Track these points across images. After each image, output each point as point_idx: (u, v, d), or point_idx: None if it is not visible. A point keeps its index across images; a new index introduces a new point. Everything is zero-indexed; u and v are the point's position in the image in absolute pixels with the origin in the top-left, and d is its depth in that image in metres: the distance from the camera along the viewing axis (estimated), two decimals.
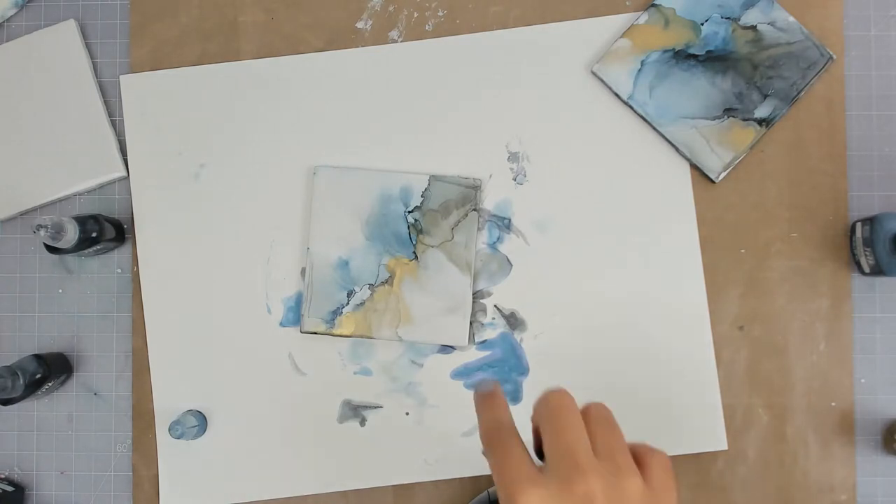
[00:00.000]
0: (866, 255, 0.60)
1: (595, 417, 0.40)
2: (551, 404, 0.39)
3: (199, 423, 0.62)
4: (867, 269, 0.60)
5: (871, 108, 0.64)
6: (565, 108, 0.64)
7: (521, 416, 0.63)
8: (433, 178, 0.63)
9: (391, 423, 0.63)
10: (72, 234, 0.57)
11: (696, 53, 0.63)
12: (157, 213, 0.65)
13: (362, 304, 0.62)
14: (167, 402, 0.64)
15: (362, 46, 0.65)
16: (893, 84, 0.64)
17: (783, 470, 0.62)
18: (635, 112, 0.63)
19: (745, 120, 0.62)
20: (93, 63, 0.66)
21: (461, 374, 0.63)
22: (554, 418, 0.39)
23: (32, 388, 0.59)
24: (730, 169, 0.62)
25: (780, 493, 0.62)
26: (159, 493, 0.63)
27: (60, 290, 0.65)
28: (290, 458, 0.63)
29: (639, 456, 0.40)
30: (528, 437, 0.40)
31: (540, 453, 0.40)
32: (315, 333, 0.63)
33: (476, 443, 0.63)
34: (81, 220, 0.58)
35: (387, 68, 0.65)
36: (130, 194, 0.65)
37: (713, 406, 0.62)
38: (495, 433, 0.40)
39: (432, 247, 0.62)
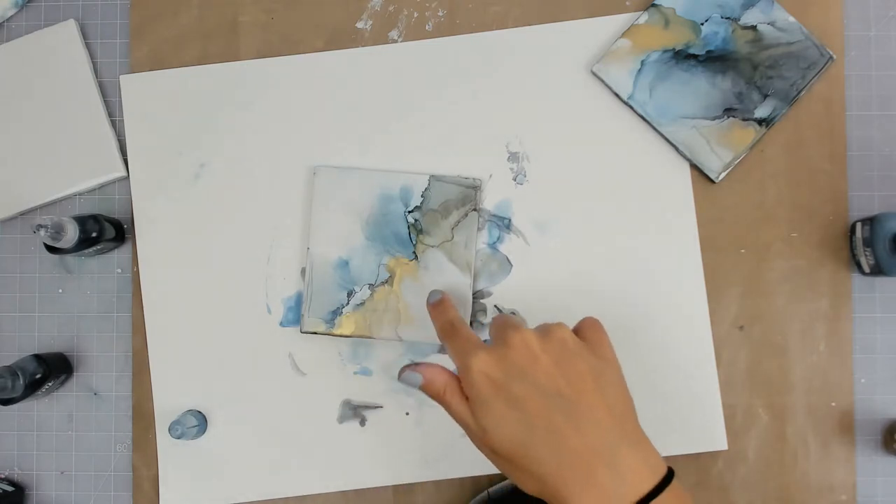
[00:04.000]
0: (866, 255, 0.60)
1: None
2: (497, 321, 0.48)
3: (199, 423, 0.62)
4: (867, 269, 0.61)
5: (871, 108, 0.64)
6: (565, 108, 0.64)
7: None
8: (433, 178, 0.63)
9: (391, 423, 0.63)
10: (72, 234, 0.57)
11: (696, 53, 0.63)
12: (157, 213, 0.65)
13: (362, 304, 0.62)
14: (167, 402, 0.64)
15: (362, 46, 0.65)
16: (893, 84, 0.64)
17: (783, 470, 0.62)
18: (635, 112, 0.63)
19: (745, 120, 0.62)
20: (93, 63, 0.66)
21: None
22: (497, 322, 0.48)
23: (32, 388, 0.59)
24: (730, 169, 0.62)
25: (780, 493, 0.62)
26: (159, 493, 0.63)
27: (60, 290, 0.65)
28: (290, 458, 0.63)
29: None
30: None
31: None
32: (315, 333, 0.63)
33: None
34: (81, 220, 0.58)
35: (387, 68, 0.65)
36: (130, 194, 0.65)
37: (713, 406, 0.62)
38: (449, 327, 0.48)
39: (432, 247, 0.62)
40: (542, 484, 0.41)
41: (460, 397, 0.46)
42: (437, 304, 0.52)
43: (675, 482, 0.42)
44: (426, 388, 0.47)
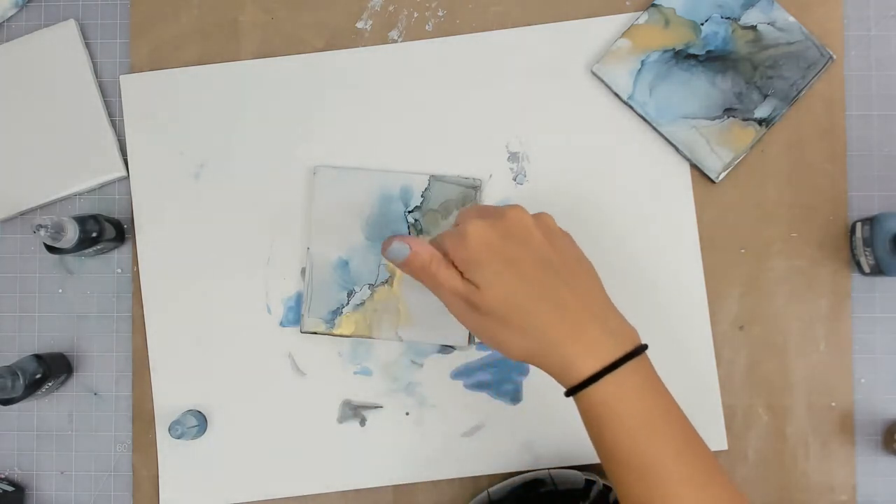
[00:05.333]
0: (866, 255, 0.60)
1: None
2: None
3: (199, 423, 0.62)
4: (867, 269, 0.61)
5: (871, 108, 0.64)
6: (565, 108, 0.64)
7: (521, 416, 0.63)
8: (433, 178, 0.63)
9: (391, 423, 0.63)
10: (72, 234, 0.57)
11: (696, 53, 0.63)
12: (157, 213, 0.65)
13: (362, 304, 0.62)
14: (167, 402, 0.64)
15: (362, 46, 0.65)
16: (893, 84, 0.64)
17: (783, 470, 0.62)
18: (635, 112, 0.63)
19: (745, 120, 0.62)
20: (93, 63, 0.66)
21: (461, 374, 0.63)
22: (485, 206, 0.51)
23: (32, 388, 0.59)
24: (730, 169, 0.62)
25: (780, 493, 0.62)
26: (159, 493, 0.63)
27: (60, 290, 0.65)
28: (290, 458, 0.63)
29: None
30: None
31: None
32: (315, 333, 0.63)
33: (477, 442, 0.63)
34: (81, 220, 0.58)
35: (387, 68, 0.65)
36: (130, 194, 0.65)
37: (713, 406, 0.62)
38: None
39: None
40: (537, 338, 0.45)
41: (447, 266, 0.47)
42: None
43: (647, 355, 0.47)
44: (412, 260, 0.48)
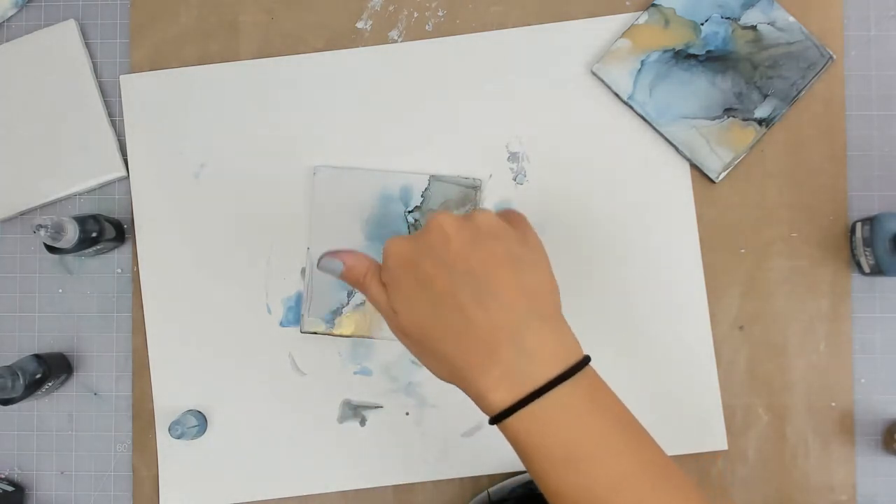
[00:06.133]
0: (866, 255, 0.60)
1: None
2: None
3: (199, 423, 0.62)
4: (867, 269, 0.61)
5: (871, 108, 0.64)
6: (565, 108, 0.64)
7: None
8: (433, 178, 0.63)
9: (391, 423, 0.63)
10: (72, 234, 0.57)
11: (696, 53, 0.63)
12: (157, 213, 0.65)
13: (362, 304, 0.62)
14: (167, 402, 0.64)
15: (362, 46, 0.65)
16: (893, 84, 0.64)
17: (783, 470, 0.62)
18: (635, 112, 0.63)
19: (745, 120, 0.62)
20: (93, 63, 0.66)
21: None
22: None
23: (32, 388, 0.59)
24: (730, 169, 0.62)
25: (780, 493, 0.62)
26: (159, 493, 0.63)
27: (60, 290, 0.65)
28: (290, 458, 0.63)
29: None
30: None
31: None
32: (315, 333, 0.63)
33: (477, 442, 0.63)
34: (81, 220, 0.58)
35: (387, 68, 0.65)
36: (130, 194, 0.65)
37: (713, 406, 0.62)
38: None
39: None
40: (449, 366, 0.41)
41: (378, 282, 0.44)
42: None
43: (590, 369, 0.40)
44: (347, 274, 0.45)
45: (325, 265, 0.46)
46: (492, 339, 0.39)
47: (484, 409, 0.40)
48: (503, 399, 0.39)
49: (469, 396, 0.41)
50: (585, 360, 0.40)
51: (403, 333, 0.43)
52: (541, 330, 0.40)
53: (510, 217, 0.46)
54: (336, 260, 0.46)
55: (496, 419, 0.39)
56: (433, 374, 0.43)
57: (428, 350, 0.42)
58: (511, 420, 0.39)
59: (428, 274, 0.41)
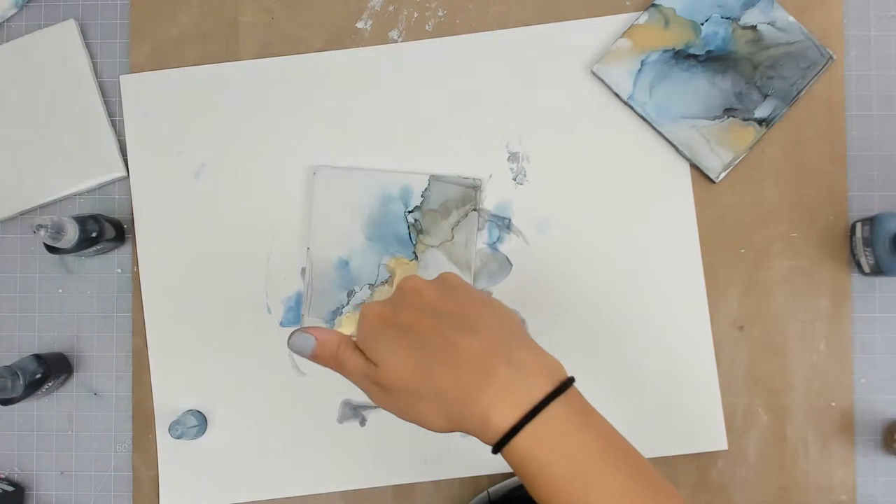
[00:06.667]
0: (866, 255, 0.60)
1: None
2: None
3: (199, 423, 0.62)
4: (867, 269, 0.60)
5: (871, 108, 0.64)
6: (565, 108, 0.64)
7: None
8: (433, 178, 0.63)
9: (391, 423, 0.63)
10: (72, 234, 0.57)
11: (696, 53, 0.63)
12: (157, 213, 0.65)
13: (362, 304, 0.62)
14: (167, 402, 0.64)
15: (362, 46, 0.65)
16: (893, 84, 0.64)
17: (783, 470, 0.62)
18: (635, 112, 0.63)
19: (745, 120, 0.62)
20: (93, 63, 0.66)
21: None
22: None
23: (32, 388, 0.59)
24: (730, 169, 0.62)
25: (780, 493, 0.62)
26: (159, 493, 0.63)
27: (60, 290, 0.65)
28: (290, 458, 0.63)
29: None
30: None
31: None
32: None
33: (477, 442, 0.62)
34: (81, 220, 0.58)
35: (387, 68, 0.65)
36: (130, 194, 0.65)
37: (713, 406, 0.62)
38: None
39: (432, 247, 0.62)
40: (444, 403, 0.40)
41: (353, 350, 0.43)
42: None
43: (574, 387, 0.41)
44: (320, 350, 0.44)
45: (295, 343, 0.44)
46: (484, 361, 0.40)
47: (487, 435, 0.40)
48: (505, 418, 0.39)
49: (469, 430, 0.40)
50: (571, 378, 0.41)
51: (391, 385, 0.42)
52: (527, 351, 0.41)
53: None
54: (307, 335, 0.44)
55: (501, 443, 0.39)
56: (429, 426, 0.41)
57: (421, 393, 0.41)
58: (516, 441, 0.39)
59: (408, 320, 0.42)
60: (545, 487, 0.39)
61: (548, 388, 0.39)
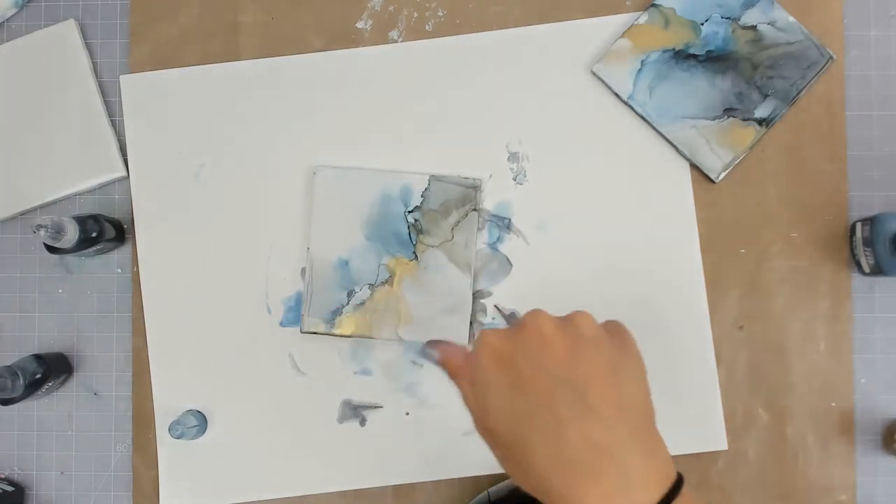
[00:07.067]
0: (866, 255, 0.60)
1: None
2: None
3: (199, 423, 0.62)
4: (867, 269, 0.60)
5: (871, 108, 0.64)
6: (565, 108, 0.64)
7: None
8: (433, 179, 0.63)
9: (391, 423, 0.63)
10: (72, 234, 0.57)
11: (696, 53, 0.63)
12: (157, 213, 0.65)
13: (362, 304, 0.62)
14: (167, 402, 0.64)
15: (362, 46, 0.65)
16: (893, 84, 0.64)
17: (783, 470, 0.62)
18: (635, 112, 0.63)
19: (745, 120, 0.62)
20: (93, 63, 0.66)
21: None
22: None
23: (32, 388, 0.59)
24: (730, 169, 0.62)
25: (780, 493, 0.62)
26: (159, 493, 0.63)
27: (60, 290, 0.65)
28: (290, 458, 0.63)
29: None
30: None
31: None
32: (315, 333, 0.63)
33: (477, 442, 0.62)
34: (81, 220, 0.58)
35: (387, 68, 0.65)
36: (130, 194, 0.65)
37: (713, 406, 0.62)
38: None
39: (432, 247, 0.62)
40: (539, 480, 0.38)
41: (469, 378, 0.42)
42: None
43: (685, 490, 0.38)
44: (443, 365, 0.44)
45: (424, 352, 0.45)
46: (591, 458, 0.37)
47: None
48: None
49: None
50: (680, 481, 0.38)
51: (492, 435, 0.40)
52: (641, 452, 0.38)
53: (609, 326, 0.45)
54: (434, 350, 0.44)
55: None
56: (514, 479, 0.39)
57: (517, 459, 0.39)
58: None
59: (524, 375, 0.39)
60: None
61: (655, 497, 0.36)
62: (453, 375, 0.43)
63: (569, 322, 0.41)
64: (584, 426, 0.37)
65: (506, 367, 0.40)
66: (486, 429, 0.40)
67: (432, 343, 0.45)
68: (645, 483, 0.37)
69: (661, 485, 0.37)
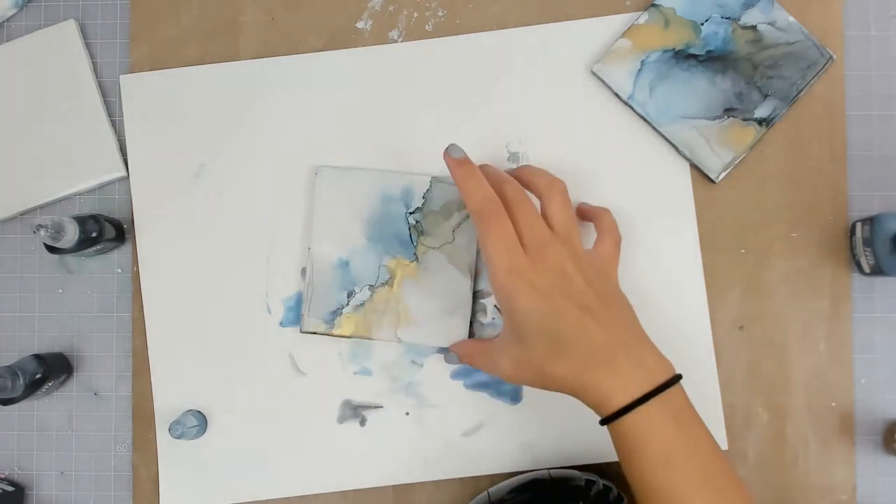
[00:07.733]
0: (866, 255, 0.60)
1: (549, 198, 0.54)
2: (509, 196, 0.53)
3: (199, 423, 0.62)
4: (867, 269, 0.61)
5: (871, 108, 0.64)
6: (565, 108, 0.64)
7: (521, 416, 0.63)
8: (435, 180, 0.63)
9: (391, 423, 0.63)
10: (72, 234, 0.57)
11: (696, 53, 0.63)
12: (157, 213, 0.65)
13: (362, 304, 0.62)
14: (167, 402, 0.64)
15: (362, 46, 0.65)
16: (893, 84, 0.64)
17: (783, 470, 0.62)
18: (635, 112, 0.63)
19: (745, 120, 0.62)
20: (93, 63, 0.66)
21: (461, 374, 0.63)
22: (518, 211, 0.52)
23: (32, 388, 0.59)
24: (730, 169, 0.62)
25: (780, 493, 0.62)
26: (159, 493, 0.63)
27: (60, 290, 0.65)
28: (290, 458, 0.63)
29: (591, 218, 0.59)
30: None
31: None
32: (315, 333, 0.63)
33: (477, 442, 0.63)
34: (81, 220, 0.58)
35: (387, 68, 0.65)
36: (130, 194, 0.65)
37: (713, 406, 0.62)
38: (490, 206, 0.52)
39: (433, 248, 0.62)
40: (579, 372, 0.48)
41: (477, 342, 0.59)
42: (465, 170, 0.54)
43: (680, 385, 0.49)
44: (463, 360, 0.59)
45: (448, 359, 0.61)
46: (613, 352, 0.49)
47: (602, 409, 0.48)
48: (622, 399, 0.47)
49: (587, 400, 0.49)
50: (679, 376, 0.49)
51: (524, 335, 0.50)
52: (649, 347, 0.51)
53: (605, 241, 0.58)
54: (451, 354, 0.60)
55: (612, 417, 0.47)
56: (552, 379, 0.50)
57: (557, 350, 0.49)
58: (624, 419, 0.47)
59: (559, 307, 0.50)
60: (636, 464, 0.47)
61: (660, 380, 0.48)
62: (469, 357, 0.59)
63: (577, 256, 0.53)
64: (604, 332, 0.49)
65: (540, 298, 0.50)
66: (520, 329, 0.50)
67: (446, 351, 0.60)
68: (651, 371, 0.48)
69: (664, 372, 0.49)
